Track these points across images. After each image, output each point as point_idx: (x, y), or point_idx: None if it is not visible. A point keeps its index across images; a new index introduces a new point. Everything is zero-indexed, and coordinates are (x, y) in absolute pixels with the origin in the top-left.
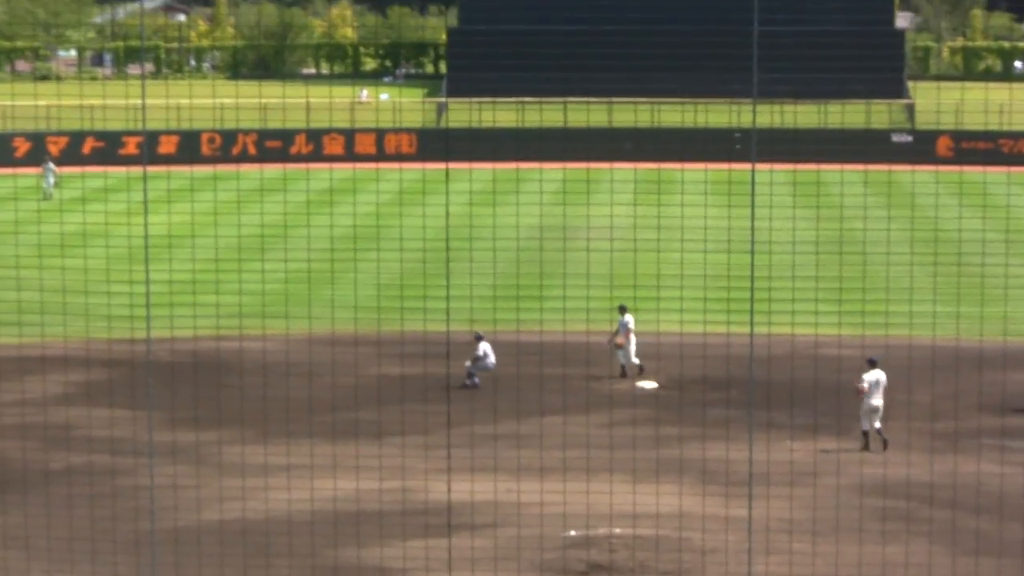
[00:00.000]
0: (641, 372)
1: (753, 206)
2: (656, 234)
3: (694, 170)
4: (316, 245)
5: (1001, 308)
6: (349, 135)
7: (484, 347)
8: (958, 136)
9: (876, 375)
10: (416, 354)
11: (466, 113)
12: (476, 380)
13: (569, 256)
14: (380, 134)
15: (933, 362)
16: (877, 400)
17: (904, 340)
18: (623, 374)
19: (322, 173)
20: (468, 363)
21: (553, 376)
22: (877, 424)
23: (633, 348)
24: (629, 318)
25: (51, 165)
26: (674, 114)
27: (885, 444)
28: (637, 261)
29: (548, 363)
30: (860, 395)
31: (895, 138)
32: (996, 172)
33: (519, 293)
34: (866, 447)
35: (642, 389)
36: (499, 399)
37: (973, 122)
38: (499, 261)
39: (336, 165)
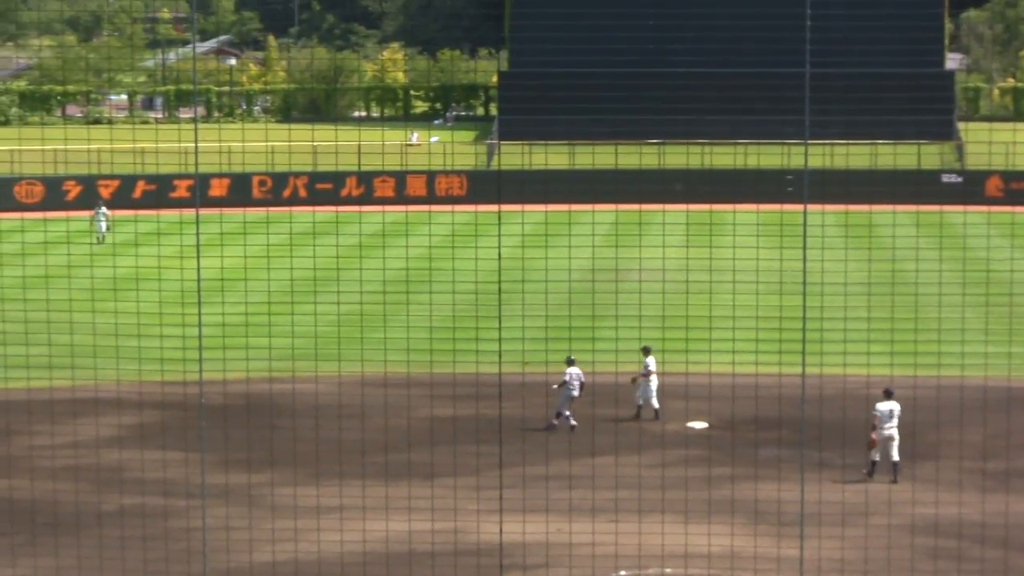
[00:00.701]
0: (656, 417)
1: (805, 247)
2: (708, 275)
3: (745, 211)
4: (368, 287)
5: None
6: (400, 177)
7: (572, 372)
8: (1008, 176)
9: (890, 406)
10: (468, 396)
11: (517, 156)
12: (567, 415)
13: (621, 297)
14: (431, 176)
15: (984, 402)
16: (892, 430)
17: (956, 380)
18: (637, 415)
19: (374, 215)
20: (556, 389)
21: (605, 416)
22: (896, 456)
23: (653, 389)
24: (651, 360)
25: (104, 209)
26: (726, 156)
27: (895, 477)
28: (689, 302)
29: (600, 403)
30: (875, 430)
31: (945, 179)
32: None
33: (571, 335)
34: (871, 475)
35: (693, 429)
36: (551, 440)
37: (1023, 163)
38: (550, 303)
39: (387, 207)
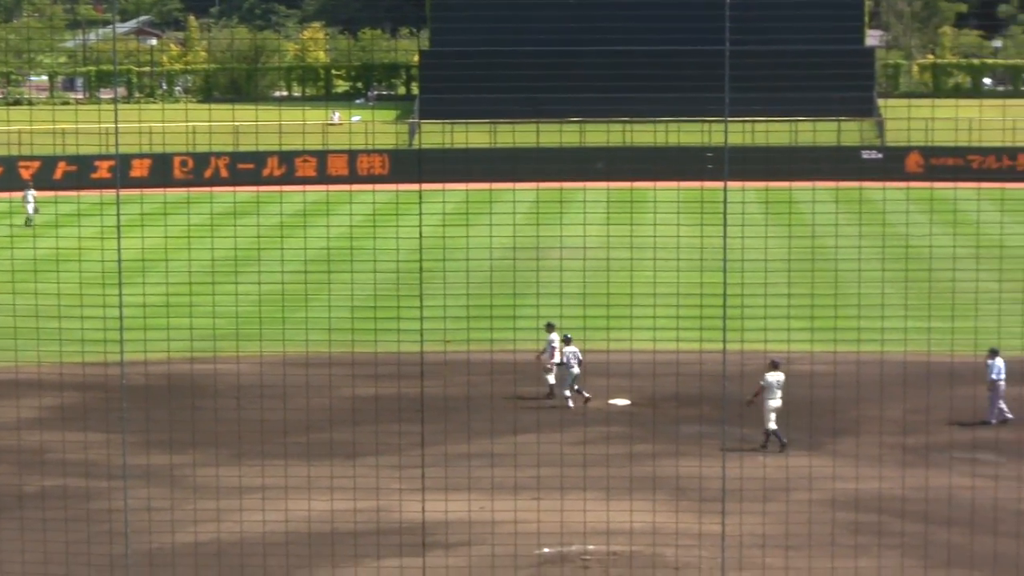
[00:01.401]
0: (550, 394)
1: (725, 224)
2: (629, 253)
3: (666, 189)
4: (289, 267)
5: (971, 323)
6: (322, 157)
7: (569, 351)
8: (928, 152)
9: (778, 376)
10: (390, 375)
11: (438, 134)
12: (577, 389)
13: (542, 275)
14: (352, 156)
15: (904, 377)
16: (777, 401)
17: (876, 356)
18: (550, 394)
19: (295, 195)
20: (549, 368)
21: (527, 395)
22: (774, 425)
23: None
24: (555, 336)
25: (32, 191)
26: (646, 134)
27: (783, 446)
28: (610, 279)
29: (522, 382)
30: (758, 396)
31: (865, 155)
32: (966, 188)
33: (492, 313)
34: (764, 446)
35: (614, 406)
36: (473, 418)
37: (943, 139)
38: (472, 281)
39: (309, 187)
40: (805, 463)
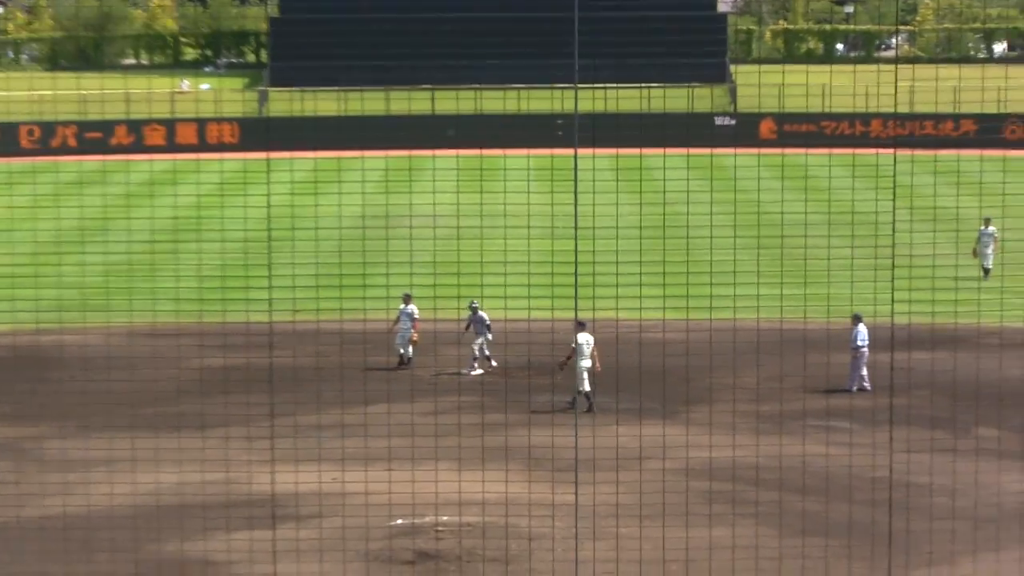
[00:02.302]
0: (406, 363)
1: (576, 191)
2: (479, 221)
3: (517, 156)
4: (137, 237)
5: (824, 289)
6: (170, 125)
7: (583, 337)
8: (781, 119)
9: (585, 337)
10: (238, 345)
11: (287, 102)
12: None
13: (392, 244)
14: (201, 124)
15: (758, 344)
16: (587, 361)
17: (728, 323)
18: (401, 362)
19: (143, 164)
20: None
21: (377, 364)
22: (587, 386)
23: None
24: (413, 308)
25: None
26: (496, 101)
27: (591, 406)
28: (460, 248)
29: (372, 351)
30: (570, 359)
31: (718, 121)
32: (818, 154)
33: (342, 282)
34: (572, 406)
35: (467, 376)
36: (323, 388)
37: (795, 105)
38: (321, 250)
39: (157, 156)
40: (659, 432)
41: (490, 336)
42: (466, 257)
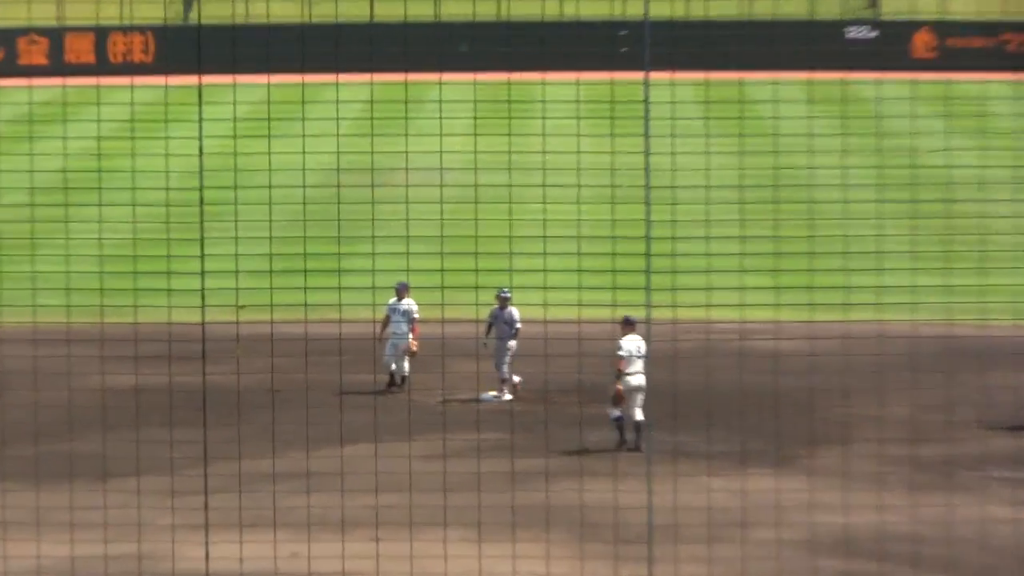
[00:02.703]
0: (400, 383)
1: (648, 134)
2: (506, 176)
3: (560, 83)
4: (8, 199)
5: (1012, 279)
6: (56, 37)
7: (409, 304)
8: (943, 29)
9: (637, 341)
10: (157, 355)
11: (222, 3)
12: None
13: (379, 211)
14: (101, 35)
15: (914, 358)
16: (639, 378)
17: (871, 327)
18: (393, 382)
19: (17, 93)
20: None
21: (359, 385)
22: (639, 414)
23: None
24: (410, 303)
25: None
26: (530, 2)
27: (637, 442)
28: (479, 217)
29: (352, 366)
30: (620, 369)
31: (852, 32)
32: (998, 79)
33: (307, 266)
34: (623, 442)
35: (488, 402)
36: (280, 419)
37: (963, 9)
38: (277, 219)
39: (38, 81)
40: (769, 486)
41: (514, 344)
42: (487, 230)
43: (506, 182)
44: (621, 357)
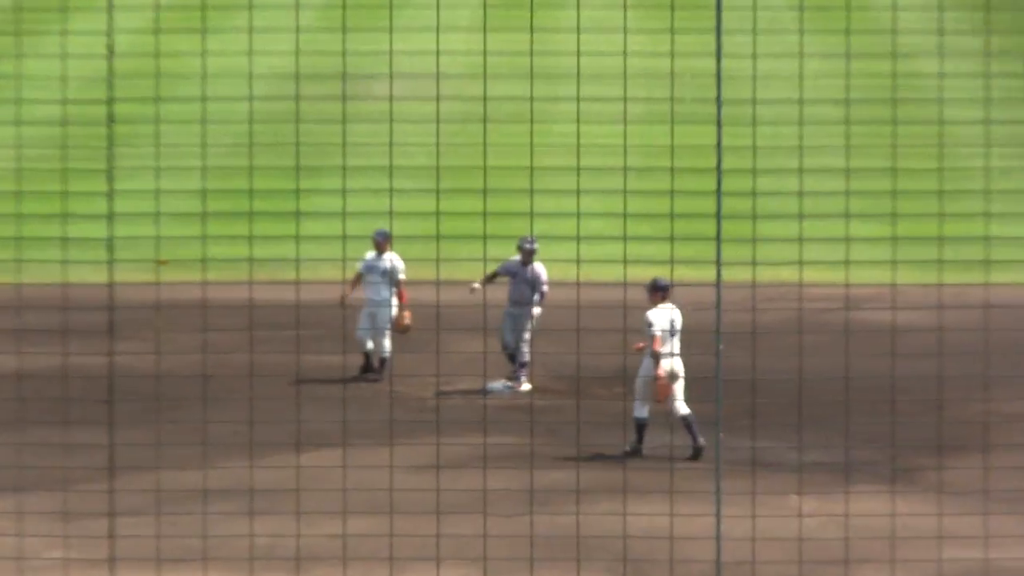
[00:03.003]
0: (379, 367)
1: (720, 29)
2: (525, 88)
3: None
4: None
5: None
6: None
7: (391, 258)
8: None
9: (670, 314)
10: (47, 328)
11: None
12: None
13: (351, 133)
14: None
15: None
16: (676, 361)
17: (1020, 293)
18: (369, 366)
19: None
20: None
21: (324, 369)
22: (683, 407)
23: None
24: (393, 259)
25: None
26: None
27: (697, 451)
28: (488, 143)
29: (313, 344)
30: (655, 351)
31: None
32: None
33: (252, 207)
34: (638, 445)
35: (498, 394)
36: (216, 414)
37: None
38: (212, 144)
39: None
40: (884, 507)
41: (538, 312)
42: (499, 158)
43: (525, 94)
44: (654, 335)
